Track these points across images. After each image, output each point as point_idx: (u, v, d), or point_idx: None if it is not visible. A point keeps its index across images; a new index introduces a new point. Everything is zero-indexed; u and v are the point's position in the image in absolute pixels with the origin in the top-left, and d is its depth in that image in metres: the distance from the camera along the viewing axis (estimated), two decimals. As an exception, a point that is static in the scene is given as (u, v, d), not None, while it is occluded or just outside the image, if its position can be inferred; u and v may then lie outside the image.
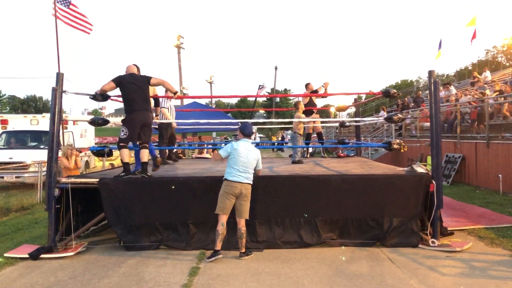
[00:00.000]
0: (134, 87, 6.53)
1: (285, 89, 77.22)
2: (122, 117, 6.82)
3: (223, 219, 5.73)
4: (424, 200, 6.30)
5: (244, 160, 5.79)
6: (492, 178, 10.95)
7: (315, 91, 10.24)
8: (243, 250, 5.80)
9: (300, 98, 10.23)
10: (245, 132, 6.03)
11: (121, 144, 6.61)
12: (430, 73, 6.39)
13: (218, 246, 5.71)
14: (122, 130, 6.58)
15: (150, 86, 6.89)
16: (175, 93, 7.04)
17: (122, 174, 6.63)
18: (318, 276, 5.05)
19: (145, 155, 6.76)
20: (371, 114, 29.48)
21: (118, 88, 6.63)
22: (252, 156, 5.86)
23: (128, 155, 6.75)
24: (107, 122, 7.38)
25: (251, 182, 5.85)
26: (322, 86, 10.48)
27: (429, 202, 6.25)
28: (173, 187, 6.34)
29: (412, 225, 6.29)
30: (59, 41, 12.76)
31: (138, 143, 6.78)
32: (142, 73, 6.93)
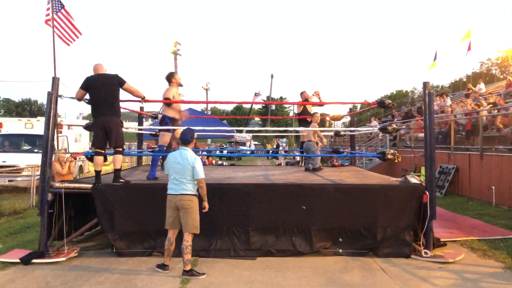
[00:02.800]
0: (102, 89, 6.28)
1: (281, 97, 77.51)
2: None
3: (169, 233, 5.48)
4: (417, 211, 6.33)
5: (176, 170, 5.41)
6: (485, 189, 11.01)
7: (306, 100, 10.33)
8: (187, 268, 5.31)
9: (315, 110, 10.26)
10: (182, 139, 5.64)
11: (95, 150, 6.46)
12: (425, 84, 6.45)
13: (166, 261, 5.51)
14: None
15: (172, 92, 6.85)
16: (142, 98, 6.87)
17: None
18: (310, 285, 5.04)
19: (116, 161, 6.50)
20: (366, 124, 29.60)
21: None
22: (185, 164, 5.37)
23: (98, 163, 6.47)
24: (102, 127, 7.34)
25: (190, 193, 5.39)
26: (313, 95, 10.59)
27: (422, 213, 6.28)
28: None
29: (405, 235, 6.30)
30: (55, 45, 12.72)
31: (113, 147, 6.49)
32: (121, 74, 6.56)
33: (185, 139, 5.57)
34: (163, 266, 5.51)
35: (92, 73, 6.49)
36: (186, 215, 5.36)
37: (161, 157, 7.60)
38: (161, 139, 7.54)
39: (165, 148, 7.49)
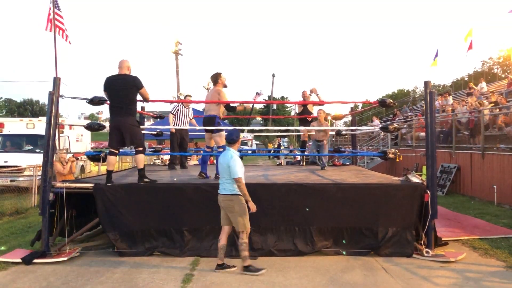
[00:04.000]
0: (119, 91, 6.34)
1: (282, 97, 77.36)
2: None
3: (221, 231, 5.57)
4: (419, 210, 6.31)
5: (220, 169, 5.56)
6: (487, 188, 10.99)
7: (304, 99, 10.41)
8: (245, 264, 5.41)
9: (317, 108, 10.30)
10: (227, 138, 5.73)
11: (110, 150, 6.56)
12: (426, 83, 6.44)
13: (219, 260, 5.52)
14: None
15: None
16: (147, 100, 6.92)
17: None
18: (312, 285, 5.04)
19: (137, 161, 6.62)
20: (367, 123, 29.56)
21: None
22: (223, 164, 5.45)
23: (110, 163, 6.57)
24: (103, 127, 7.37)
25: (228, 193, 5.42)
26: (310, 94, 10.64)
27: (423, 212, 6.27)
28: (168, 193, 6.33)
29: (407, 235, 6.29)
30: (57, 46, 12.75)
31: (131, 148, 6.59)
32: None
33: (230, 139, 5.62)
34: (220, 266, 5.49)
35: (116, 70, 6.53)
36: (230, 215, 5.43)
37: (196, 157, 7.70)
38: (219, 140, 7.32)
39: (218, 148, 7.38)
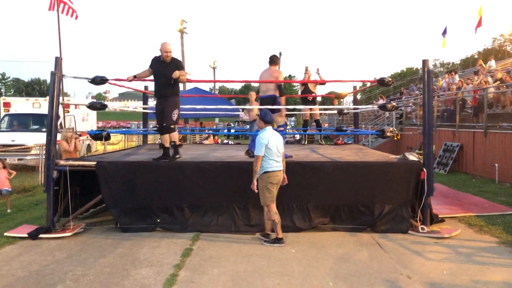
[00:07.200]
0: (162, 71, 6.60)
1: (289, 75, 76.85)
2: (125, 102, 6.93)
3: (275, 207, 5.77)
4: (415, 188, 6.40)
5: (277, 149, 5.75)
6: (488, 167, 11.02)
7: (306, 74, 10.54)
8: (279, 236, 5.74)
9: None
10: (267, 120, 5.91)
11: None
12: (424, 62, 6.43)
13: (280, 233, 5.75)
14: None
15: None
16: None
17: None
18: (306, 259, 5.19)
19: (165, 139, 6.89)
20: (373, 102, 29.43)
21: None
22: (280, 142, 5.83)
23: (165, 140, 6.88)
24: (105, 106, 7.48)
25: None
26: (305, 73, 10.74)
27: (420, 189, 6.36)
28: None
29: (403, 211, 6.40)
30: (60, 24, 12.79)
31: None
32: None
33: (270, 119, 6.01)
34: (279, 240, 5.75)
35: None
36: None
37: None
38: (281, 119, 7.55)
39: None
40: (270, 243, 5.72)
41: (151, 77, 6.92)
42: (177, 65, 6.69)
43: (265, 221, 6.03)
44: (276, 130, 6.57)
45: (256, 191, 5.69)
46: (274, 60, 7.43)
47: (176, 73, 6.48)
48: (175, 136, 6.88)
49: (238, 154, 8.27)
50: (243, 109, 10.53)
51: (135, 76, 6.94)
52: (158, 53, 6.69)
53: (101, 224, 6.91)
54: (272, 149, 5.67)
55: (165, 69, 6.59)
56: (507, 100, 11.67)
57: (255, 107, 8.60)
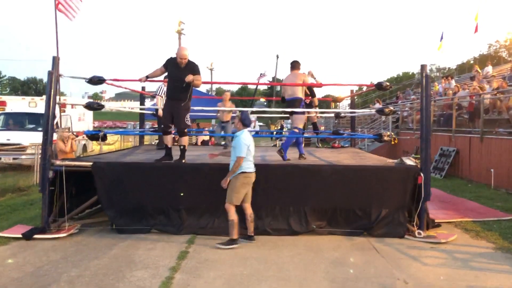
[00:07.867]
0: (176, 73, 6.52)
1: (286, 78, 76.76)
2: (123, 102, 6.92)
3: (235, 208, 5.81)
4: (412, 192, 6.40)
5: (252, 150, 5.93)
6: (484, 172, 11.04)
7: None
8: (234, 237, 5.78)
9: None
10: (246, 123, 5.99)
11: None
12: (422, 67, 6.46)
13: (235, 234, 5.76)
14: None
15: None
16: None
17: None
18: (303, 262, 5.18)
19: (167, 140, 6.94)
20: (370, 106, 29.51)
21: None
22: (253, 145, 6.00)
23: (168, 141, 6.94)
24: (102, 106, 7.44)
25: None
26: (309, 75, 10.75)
27: (417, 194, 6.36)
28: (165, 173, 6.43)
29: (400, 216, 6.40)
30: (57, 25, 12.71)
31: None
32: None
33: (249, 123, 6.08)
34: (234, 241, 5.76)
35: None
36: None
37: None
38: (300, 122, 7.77)
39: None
40: (225, 245, 5.66)
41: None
42: (193, 69, 6.59)
43: (247, 223, 5.97)
44: (292, 132, 7.33)
45: (225, 187, 5.77)
46: (295, 65, 7.82)
47: (190, 77, 6.39)
48: (186, 140, 6.88)
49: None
50: (218, 111, 10.73)
51: (147, 77, 6.88)
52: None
53: (96, 225, 6.85)
54: (251, 150, 5.85)
55: (179, 72, 6.49)
56: (503, 106, 11.70)
57: (229, 109, 9.73)
